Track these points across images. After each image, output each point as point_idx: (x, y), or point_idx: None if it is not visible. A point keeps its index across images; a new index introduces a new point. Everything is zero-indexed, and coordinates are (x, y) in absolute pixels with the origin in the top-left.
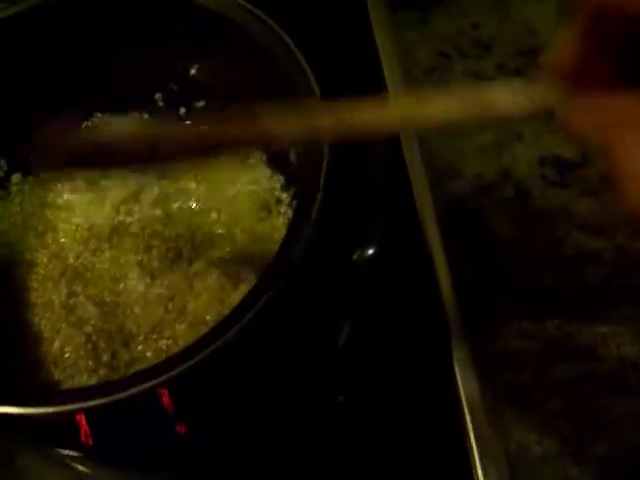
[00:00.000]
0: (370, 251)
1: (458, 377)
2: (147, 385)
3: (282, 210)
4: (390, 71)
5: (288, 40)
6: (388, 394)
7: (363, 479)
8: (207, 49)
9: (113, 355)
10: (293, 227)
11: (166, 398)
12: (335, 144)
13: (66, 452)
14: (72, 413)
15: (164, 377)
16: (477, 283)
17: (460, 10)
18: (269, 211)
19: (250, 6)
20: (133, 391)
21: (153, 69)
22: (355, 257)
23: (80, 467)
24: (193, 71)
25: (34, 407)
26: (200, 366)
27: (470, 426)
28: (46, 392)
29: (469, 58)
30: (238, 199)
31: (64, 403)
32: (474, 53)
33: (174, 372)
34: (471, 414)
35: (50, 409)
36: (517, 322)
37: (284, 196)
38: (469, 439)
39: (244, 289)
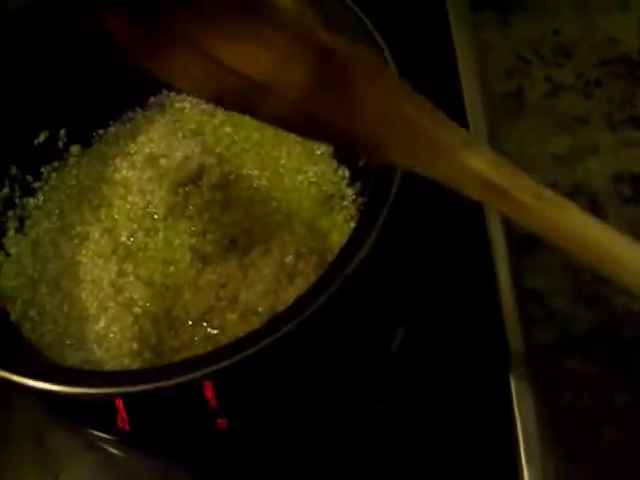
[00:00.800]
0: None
1: (514, 396)
2: (192, 376)
3: (345, 205)
4: (465, 69)
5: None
6: (436, 406)
7: None
8: None
9: (159, 340)
10: (360, 227)
11: (210, 391)
12: None
13: (100, 434)
14: (112, 397)
15: (212, 369)
16: (541, 298)
17: (541, 14)
18: (331, 206)
19: None
20: (177, 380)
21: None
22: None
23: (112, 450)
24: None
25: (73, 387)
26: (250, 361)
27: (522, 448)
28: (87, 372)
29: (548, 65)
30: (301, 190)
31: (105, 386)
32: (553, 60)
33: (223, 364)
34: (524, 435)
35: (90, 390)
36: (581, 342)
37: (349, 192)
38: (520, 462)
39: (300, 284)
